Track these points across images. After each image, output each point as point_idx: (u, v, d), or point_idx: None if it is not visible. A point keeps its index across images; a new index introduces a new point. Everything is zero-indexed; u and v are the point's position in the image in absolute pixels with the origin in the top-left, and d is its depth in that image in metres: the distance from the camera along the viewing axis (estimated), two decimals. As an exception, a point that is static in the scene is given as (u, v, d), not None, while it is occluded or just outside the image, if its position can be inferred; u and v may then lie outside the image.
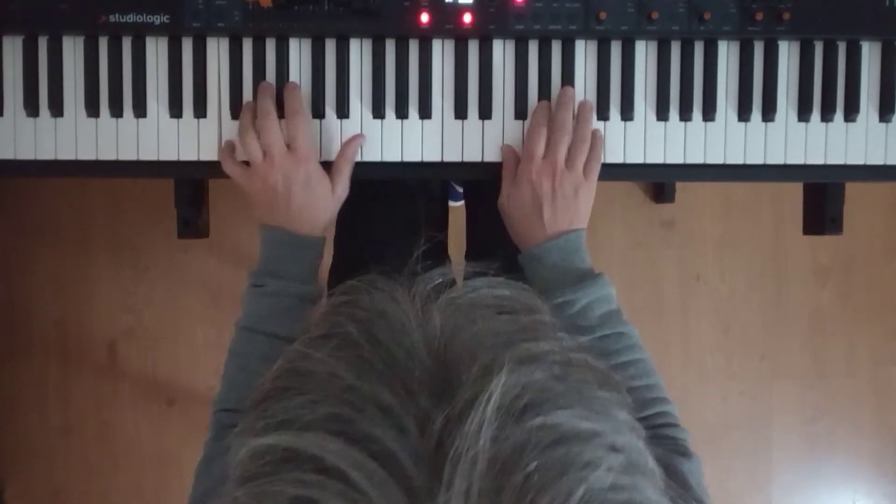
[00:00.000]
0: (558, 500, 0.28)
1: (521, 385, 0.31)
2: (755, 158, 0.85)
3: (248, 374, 0.73)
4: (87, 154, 0.84)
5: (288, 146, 0.77)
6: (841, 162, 0.86)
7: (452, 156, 0.85)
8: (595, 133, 0.82)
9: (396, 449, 0.29)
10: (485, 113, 0.84)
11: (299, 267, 0.77)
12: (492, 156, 0.85)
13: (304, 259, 0.78)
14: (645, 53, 0.85)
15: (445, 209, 1.12)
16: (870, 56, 0.86)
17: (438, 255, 1.03)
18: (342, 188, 0.81)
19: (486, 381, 0.31)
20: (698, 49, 0.85)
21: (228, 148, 0.81)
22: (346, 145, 0.82)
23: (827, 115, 0.85)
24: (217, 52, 0.84)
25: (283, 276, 0.75)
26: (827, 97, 0.85)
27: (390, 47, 0.84)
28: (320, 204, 0.78)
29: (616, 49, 0.85)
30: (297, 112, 0.78)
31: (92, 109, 0.84)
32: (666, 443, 0.69)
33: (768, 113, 0.85)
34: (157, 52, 0.84)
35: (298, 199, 0.77)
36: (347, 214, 0.88)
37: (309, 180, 0.77)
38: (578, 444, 0.30)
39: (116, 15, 0.82)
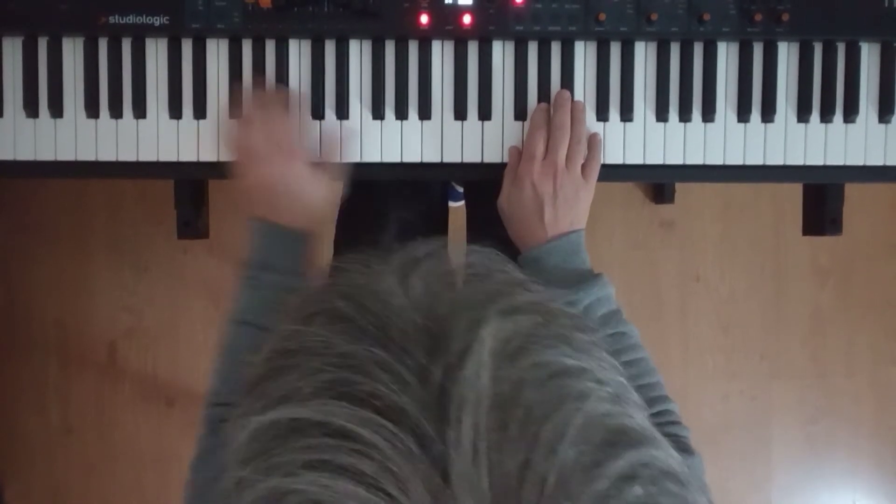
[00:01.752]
0: (560, 429, 0.30)
1: (509, 331, 0.33)
2: (755, 159, 0.86)
3: (241, 368, 0.72)
4: (86, 155, 0.84)
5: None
6: (840, 163, 0.86)
7: (452, 157, 0.85)
8: (594, 136, 0.82)
9: (400, 401, 0.30)
10: (484, 114, 0.84)
11: (290, 260, 0.77)
12: (491, 157, 0.85)
13: (293, 251, 0.78)
14: (644, 54, 0.85)
15: (445, 210, 1.12)
16: (869, 57, 0.86)
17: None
18: (330, 183, 0.82)
19: (476, 331, 0.32)
20: (697, 50, 0.85)
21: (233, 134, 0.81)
22: (324, 142, 0.84)
23: (826, 116, 0.85)
24: (217, 53, 0.84)
25: (275, 269, 0.76)
26: (826, 98, 0.85)
27: (390, 48, 0.84)
28: (308, 199, 0.79)
29: (615, 50, 0.85)
30: (285, 111, 0.80)
31: (92, 110, 0.84)
32: (669, 440, 0.69)
33: (768, 114, 0.85)
34: (156, 53, 0.84)
35: (288, 195, 0.78)
36: (347, 215, 0.88)
37: (299, 177, 0.78)
38: (569, 378, 0.32)
39: (116, 16, 0.82)
